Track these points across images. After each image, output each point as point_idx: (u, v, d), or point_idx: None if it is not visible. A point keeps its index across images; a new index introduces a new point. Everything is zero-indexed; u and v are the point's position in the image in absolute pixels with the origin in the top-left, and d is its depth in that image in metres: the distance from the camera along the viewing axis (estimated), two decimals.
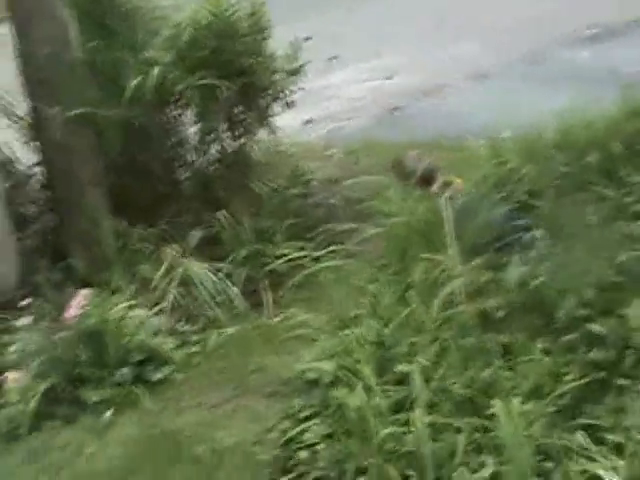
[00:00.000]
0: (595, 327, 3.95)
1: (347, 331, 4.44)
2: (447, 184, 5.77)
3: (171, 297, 5.19)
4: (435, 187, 5.76)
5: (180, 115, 6.17)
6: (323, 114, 9.34)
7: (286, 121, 7.10)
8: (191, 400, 4.65)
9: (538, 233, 5.14)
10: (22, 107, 5.94)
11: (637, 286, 4.18)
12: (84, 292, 5.25)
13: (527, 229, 5.21)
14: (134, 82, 5.62)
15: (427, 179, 5.94)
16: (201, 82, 5.73)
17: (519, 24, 13.02)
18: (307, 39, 11.01)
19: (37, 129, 5.73)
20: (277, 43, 6.29)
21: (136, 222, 5.74)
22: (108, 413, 4.62)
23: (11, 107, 5.99)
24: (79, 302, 5.11)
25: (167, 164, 6.14)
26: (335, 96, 10.11)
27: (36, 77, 5.52)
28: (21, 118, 5.96)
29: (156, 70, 5.65)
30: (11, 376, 4.84)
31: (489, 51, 11.56)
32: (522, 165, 5.85)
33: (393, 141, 7.73)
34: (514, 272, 4.54)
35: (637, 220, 4.89)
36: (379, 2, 15.20)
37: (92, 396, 4.68)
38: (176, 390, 4.76)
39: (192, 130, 6.24)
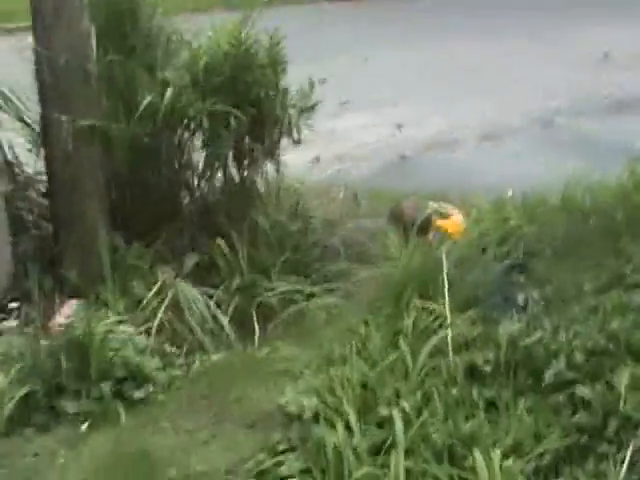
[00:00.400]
0: (582, 391, 3.94)
1: (333, 369, 4.43)
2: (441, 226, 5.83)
3: (160, 318, 5.16)
4: (430, 235, 5.79)
5: (189, 139, 6.17)
6: (331, 156, 9.37)
7: (293, 158, 7.14)
8: (169, 422, 4.60)
9: (533, 293, 5.15)
10: (34, 112, 5.93)
11: (626, 354, 4.18)
12: (73, 302, 5.24)
13: (522, 288, 5.22)
14: (147, 100, 5.62)
15: (424, 228, 5.98)
16: (213, 108, 5.74)
17: (536, 88, 13.13)
18: (322, 81, 11.15)
19: (45, 136, 5.72)
20: (291, 80, 6.31)
21: (133, 239, 5.72)
22: (84, 426, 4.58)
23: (22, 111, 5.98)
24: (67, 312, 5.10)
25: (171, 186, 6.13)
26: (344, 139, 10.14)
27: (51, 85, 5.52)
28: (29, 124, 5.94)
29: (170, 91, 5.66)
30: None
31: (503, 112, 11.64)
32: (524, 225, 5.87)
33: (398, 189, 7.76)
34: (505, 329, 4.54)
35: (633, 290, 4.90)
36: (397, 53, 15.34)
37: (70, 407, 4.64)
38: (155, 411, 4.71)
39: (199, 155, 6.23)
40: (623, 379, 3.89)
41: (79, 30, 5.41)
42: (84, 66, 5.40)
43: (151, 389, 4.84)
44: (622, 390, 3.84)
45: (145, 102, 5.61)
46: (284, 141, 6.35)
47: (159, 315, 5.15)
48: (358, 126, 10.82)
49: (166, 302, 5.23)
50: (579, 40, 17.26)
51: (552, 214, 6.03)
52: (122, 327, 5.02)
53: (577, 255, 5.64)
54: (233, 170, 6.22)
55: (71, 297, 5.35)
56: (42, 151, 5.87)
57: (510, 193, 6.84)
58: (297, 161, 8.12)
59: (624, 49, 16.15)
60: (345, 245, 6.40)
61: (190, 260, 5.72)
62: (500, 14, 21.03)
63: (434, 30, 18.43)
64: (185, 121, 5.97)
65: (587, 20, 19.72)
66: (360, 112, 11.53)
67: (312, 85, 6.30)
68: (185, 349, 5.24)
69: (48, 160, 5.79)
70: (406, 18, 20.54)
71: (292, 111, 6.23)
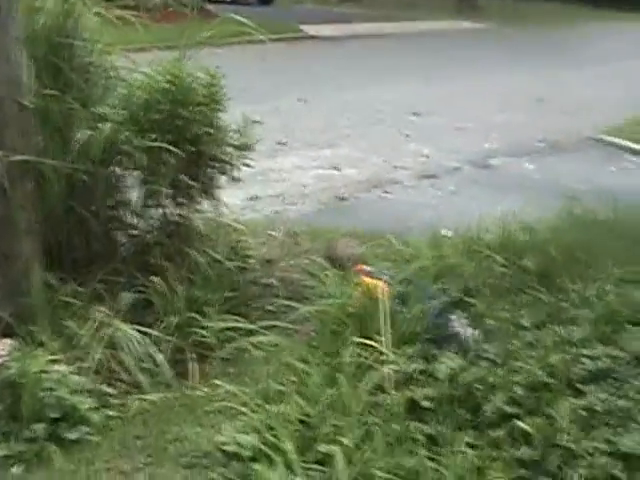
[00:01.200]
0: (522, 425, 3.94)
1: (271, 407, 4.38)
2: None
3: (96, 357, 5.07)
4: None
5: (125, 176, 6.11)
6: (269, 195, 9.36)
7: (231, 197, 7.10)
8: (104, 464, 4.50)
9: (471, 330, 5.17)
10: None
11: (565, 387, 4.20)
12: (7, 342, 5.13)
13: (461, 325, 5.24)
14: (83, 136, 5.56)
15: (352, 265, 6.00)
16: (150, 145, 5.69)
17: (469, 130, 13.33)
18: (259, 122, 11.17)
19: None
20: (230, 120, 6.29)
21: (68, 278, 5.63)
22: (16, 468, 4.46)
23: None
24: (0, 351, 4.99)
25: (107, 223, 6.04)
26: (282, 179, 10.16)
27: None
28: None
29: (106, 127, 5.60)
30: None
31: (441, 153, 11.77)
32: (461, 262, 5.91)
33: (335, 229, 7.78)
34: (445, 365, 4.54)
35: (570, 325, 4.94)
36: (337, 94, 15.48)
37: (1, 449, 4.53)
38: (90, 452, 4.60)
39: (136, 193, 6.17)
40: (563, 412, 3.91)
41: (15, 63, 5.32)
42: (19, 99, 5.31)
43: (86, 430, 4.72)
44: (563, 423, 3.84)
45: (81, 137, 5.54)
46: (222, 179, 6.29)
47: (94, 354, 5.04)
48: (296, 166, 10.85)
49: (102, 342, 5.13)
50: (515, 85, 17.58)
51: (489, 252, 6.07)
52: (56, 367, 4.91)
53: (515, 292, 5.69)
54: (170, 208, 6.15)
55: (5, 336, 5.23)
56: None
57: (447, 231, 6.88)
58: (235, 200, 8.13)
59: (557, 93, 16.47)
60: (283, 283, 6.39)
61: (126, 299, 5.63)
62: (440, 57, 21.38)
63: (375, 72, 18.65)
64: (122, 158, 5.90)
65: (522, 65, 20.10)
66: (298, 152, 11.57)
67: (249, 123, 6.27)
68: (121, 389, 5.13)
69: None
70: (345, 59, 20.77)
71: (230, 149, 6.19)
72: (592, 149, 12.68)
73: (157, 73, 5.87)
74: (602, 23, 33.36)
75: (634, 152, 11.85)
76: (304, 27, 27.97)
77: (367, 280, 5.58)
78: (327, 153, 11.45)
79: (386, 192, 9.80)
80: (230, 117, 6.26)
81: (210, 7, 22.86)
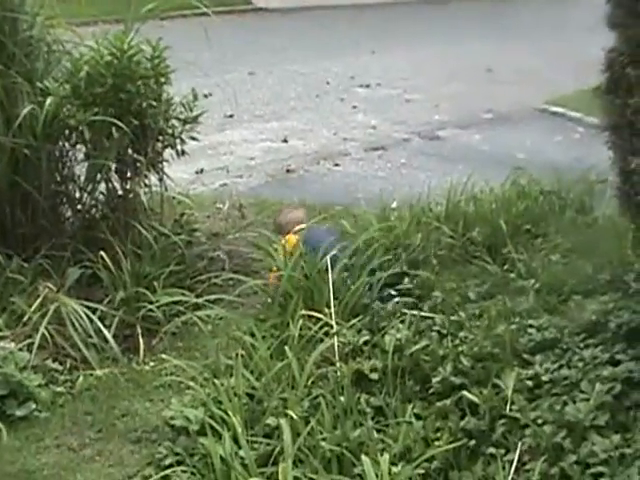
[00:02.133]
0: (469, 395, 3.96)
1: (219, 381, 4.38)
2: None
3: (42, 333, 5.02)
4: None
5: (71, 151, 6.05)
6: (216, 168, 9.32)
7: (178, 171, 7.06)
8: (52, 440, 4.49)
9: (418, 301, 5.19)
10: None
11: (512, 358, 4.22)
12: None
13: (407, 296, 5.26)
14: (26, 110, 5.50)
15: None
16: (94, 119, 5.63)
17: (418, 102, 13.35)
18: (207, 95, 11.11)
19: None
20: (177, 93, 6.24)
21: (14, 253, 5.59)
22: None
23: None
24: None
25: (52, 198, 5.99)
26: (230, 152, 10.13)
27: None
28: None
29: (50, 101, 5.54)
30: None
31: (388, 124, 11.77)
32: (408, 234, 5.91)
33: (283, 201, 7.76)
34: (391, 337, 4.54)
35: (517, 295, 4.96)
36: (284, 67, 15.42)
37: None
38: (38, 429, 4.58)
39: (82, 167, 6.12)
40: (509, 382, 3.92)
41: None
42: None
43: (33, 406, 4.71)
44: (509, 393, 3.87)
45: (24, 112, 5.48)
46: (169, 153, 6.25)
47: (41, 330, 5.00)
48: (244, 139, 10.82)
49: (48, 317, 5.08)
50: (465, 56, 17.61)
51: (436, 223, 6.08)
52: (2, 343, 4.88)
53: (462, 263, 5.70)
54: (116, 182, 6.10)
55: None
56: None
57: (395, 203, 6.88)
58: (182, 174, 8.09)
59: (506, 64, 16.53)
60: (230, 256, 6.38)
61: (72, 274, 5.60)
62: (389, 29, 21.35)
63: (324, 44, 18.60)
64: (66, 132, 5.85)
65: (472, 36, 20.14)
66: (246, 125, 11.53)
67: (195, 97, 6.23)
68: (69, 365, 5.11)
69: None
70: (294, 31, 20.68)
71: (176, 123, 6.15)
72: (539, 120, 12.74)
73: (101, 46, 5.80)
74: None
75: (581, 122, 11.91)
76: None
77: (290, 237, 5.67)
78: (275, 125, 11.43)
79: (335, 164, 9.79)
80: (177, 90, 6.22)
81: None
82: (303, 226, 5.97)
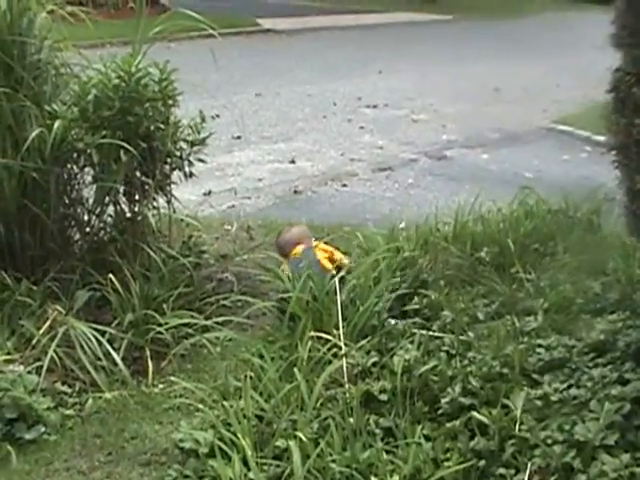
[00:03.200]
0: (478, 416, 3.95)
1: (228, 403, 4.38)
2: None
3: (51, 356, 5.03)
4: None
5: (79, 174, 6.07)
6: (224, 190, 9.34)
7: (186, 193, 7.08)
8: (62, 463, 4.48)
9: (428, 322, 5.20)
10: None
11: (521, 378, 4.22)
12: None
13: (416, 316, 5.26)
14: (35, 133, 5.52)
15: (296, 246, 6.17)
16: (102, 141, 5.65)
17: (425, 122, 13.37)
18: (215, 117, 11.14)
19: None
20: (186, 115, 6.26)
21: (22, 276, 5.60)
22: None
23: None
24: None
25: (61, 221, 6.00)
26: (238, 174, 10.14)
27: None
28: None
29: (58, 124, 5.56)
30: None
31: (395, 145, 11.79)
32: (417, 254, 5.92)
33: (291, 222, 7.77)
34: (400, 357, 4.54)
35: (525, 315, 4.97)
36: (291, 88, 15.46)
37: None
38: (47, 452, 4.57)
39: (90, 190, 6.13)
40: (518, 402, 3.92)
41: None
42: None
43: (43, 430, 4.70)
44: (518, 413, 3.86)
45: (32, 135, 5.50)
46: (177, 175, 6.26)
47: (49, 353, 5.01)
48: (251, 161, 10.84)
49: (56, 340, 5.09)
50: (472, 75, 17.66)
51: (444, 243, 6.09)
52: (11, 366, 4.89)
53: (470, 283, 5.71)
54: (124, 205, 6.11)
55: None
56: None
57: (403, 223, 6.90)
58: (190, 195, 8.12)
59: (513, 83, 16.57)
60: (239, 278, 6.38)
61: (81, 297, 5.60)
62: (395, 49, 21.43)
63: (330, 65, 18.67)
64: (74, 155, 5.87)
65: (479, 56, 20.19)
66: (254, 147, 11.56)
67: (203, 119, 6.24)
68: (78, 388, 5.11)
69: None
70: (301, 52, 20.76)
71: (184, 145, 6.16)
72: (547, 139, 12.77)
73: (109, 69, 5.82)
74: (560, 13, 33.54)
75: (589, 141, 11.93)
76: (260, 21, 27.92)
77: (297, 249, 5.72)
78: (282, 147, 11.45)
79: (342, 185, 9.81)
80: (185, 112, 6.23)
81: (165, 1, 22.80)
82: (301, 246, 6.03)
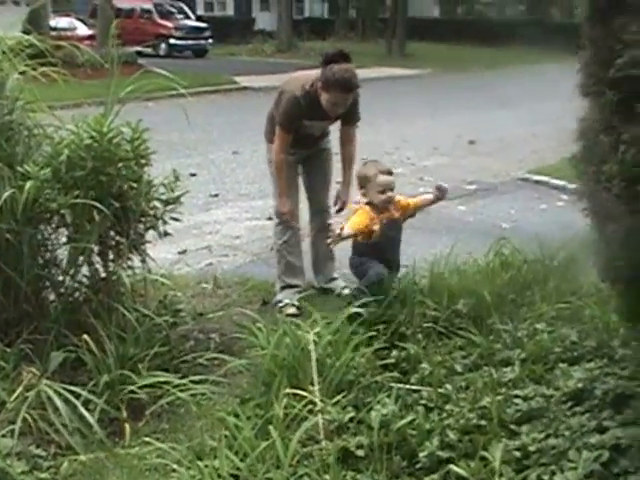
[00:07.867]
0: (457, 469, 3.92)
1: (203, 463, 4.33)
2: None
3: (24, 419, 4.96)
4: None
5: (52, 234, 6.04)
6: (201, 248, 9.33)
7: (162, 251, 7.04)
8: None
9: (406, 375, 5.17)
10: None
11: (499, 429, 4.20)
12: None
13: (395, 370, 5.24)
14: (7, 194, 5.50)
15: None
16: (75, 202, 5.63)
17: (401, 175, 13.38)
18: (192, 175, 11.15)
19: None
20: (160, 174, 6.25)
21: None
22: None
23: None
24: None
25: (35, 282, 5.95)
26: (215, 232, 10.14)
27: None
28: None
29: (30, 185, 5.54)
30: None
31: None
32: (393, 308, 5.92)
33: (268, 279, 7.77)
34: (377, 412, 4.51)
35: (502, 366, 4.95)
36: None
37: None
38: None
39: (64, 250, 6.10)
40: (497, 454, 3.89)
41: None
42: None
43: None
44: (497, 465, 3.83)
45: (5, 196, 5.48)
46: (152, 234, 6.23)
47: (20, 416, 4.93)
48: (229, 218, 10.85)
49: (27, 403, 5.01)
50: (446, 128, 17.79)
51: (421, 297, 6.09)
52: None
53: (448, 335, 5.70)
54: (98, 265, 6.08)
55: None
56: None
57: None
58: (166, 254, 8.09)
59: (488, 135, 16.70)
60: (215, 336, 6.34)
61: (56, 358, 5.54)
62: (368, 104, 21.47)
63: None
64: (48, 216, 5.84)
65: (454, 109, 20.35)
66: (231, 204, 11.58)
67: (177, 177, 6.23)
68: (53, 451, 5.04)
69: None
70: None
71: (158, 204, 6.14)
72: (523, 189, 12.86)
73: (81, 130, 5.82)
74: (535, 65, 33.85)
75: (565, 190, 11.98)
76: (238, 79, 28.17)
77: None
78: (260, 204, 11.43)
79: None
80: (162, 171, 6.22)
81: (143, 61, 22.93)
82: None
